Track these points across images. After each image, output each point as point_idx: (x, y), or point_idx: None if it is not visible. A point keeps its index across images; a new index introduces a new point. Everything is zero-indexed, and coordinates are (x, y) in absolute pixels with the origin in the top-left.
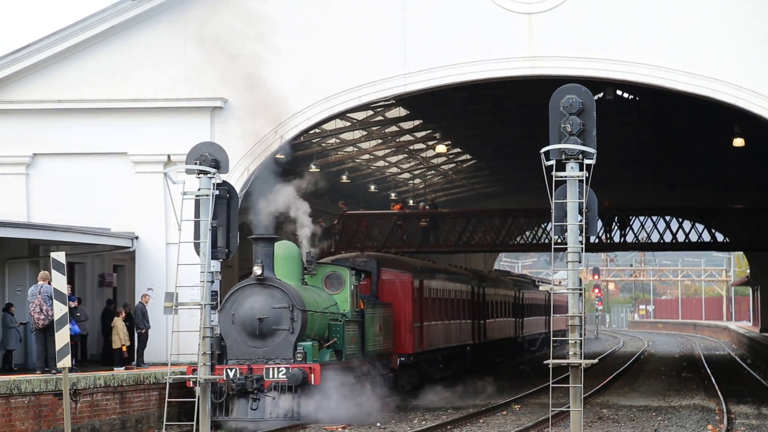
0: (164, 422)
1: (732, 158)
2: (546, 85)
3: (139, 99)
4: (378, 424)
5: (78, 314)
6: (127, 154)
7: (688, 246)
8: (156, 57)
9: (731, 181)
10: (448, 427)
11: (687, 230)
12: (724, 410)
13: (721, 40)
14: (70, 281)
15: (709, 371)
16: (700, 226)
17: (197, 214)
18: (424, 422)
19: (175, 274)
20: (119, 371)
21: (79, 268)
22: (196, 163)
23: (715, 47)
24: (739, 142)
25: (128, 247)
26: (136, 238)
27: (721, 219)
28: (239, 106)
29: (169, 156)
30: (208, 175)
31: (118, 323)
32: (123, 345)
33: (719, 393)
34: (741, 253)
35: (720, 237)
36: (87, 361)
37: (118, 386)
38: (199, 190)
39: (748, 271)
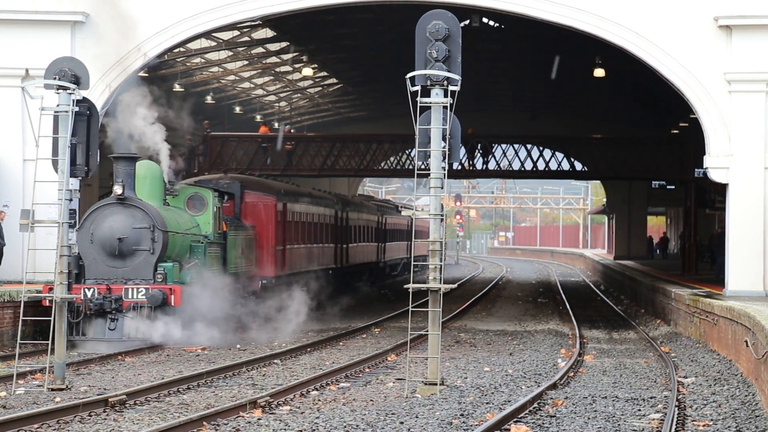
0: (18, 341)
1: (592, 88)
2: (413, 10)
3: None
4: (238, 346)
5: None
6: None
7: (547, 174)
8: None
9: (591, 111)
10: (308, 349)
11: (547, 159)
12: (577, 335)
13: None
14: None
15: (564, 297)
16: (559, 155)
17: (56, 130)
18: (284, 345)
19: (32, 191)
20: None
21: None
22: (55, 78)
23: None
24: (599, 72)
25: None
26: None
27: (580, 148)
28: (101, 20)
29: (27, 70)
30: (68, 91)
31: None
32: None
33: (573, 318)
34: (598, 182)
35: (579, 166)
36: None
37: None
38: (58, 106)
39: (605, 200)
